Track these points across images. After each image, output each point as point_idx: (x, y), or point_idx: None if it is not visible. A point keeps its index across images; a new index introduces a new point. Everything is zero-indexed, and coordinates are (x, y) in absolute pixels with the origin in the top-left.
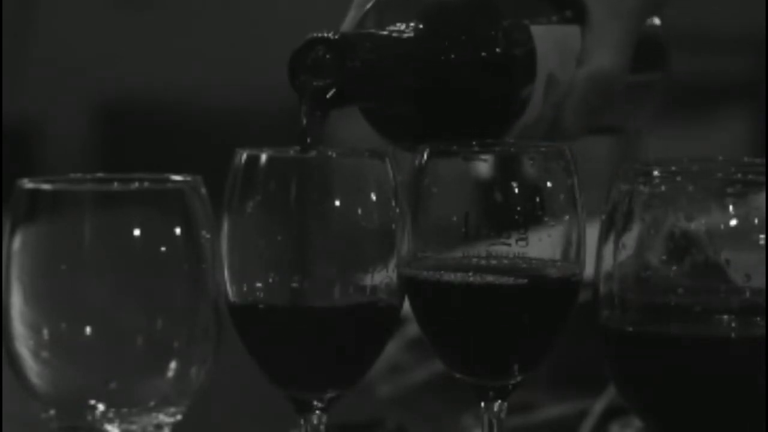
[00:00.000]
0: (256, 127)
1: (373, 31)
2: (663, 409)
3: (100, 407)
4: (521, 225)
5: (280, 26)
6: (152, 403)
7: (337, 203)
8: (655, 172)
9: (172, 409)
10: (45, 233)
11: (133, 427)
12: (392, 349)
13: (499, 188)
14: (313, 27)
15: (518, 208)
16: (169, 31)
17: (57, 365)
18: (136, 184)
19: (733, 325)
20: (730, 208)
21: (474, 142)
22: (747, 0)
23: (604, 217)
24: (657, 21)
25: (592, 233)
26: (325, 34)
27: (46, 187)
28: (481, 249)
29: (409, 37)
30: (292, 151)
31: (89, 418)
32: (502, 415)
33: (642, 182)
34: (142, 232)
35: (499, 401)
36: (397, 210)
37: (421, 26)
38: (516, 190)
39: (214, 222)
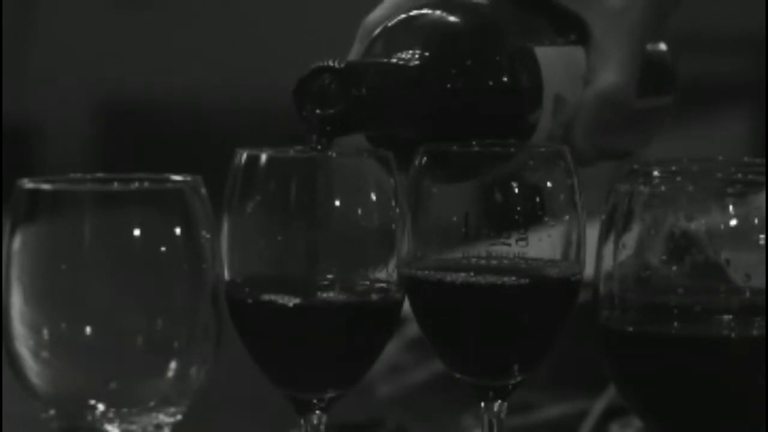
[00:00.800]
0: (256, 127)
1: (378, 59)
2: (663, 409)
3: (100, 407)
4: (521, 225)
5: (281, 26)
6: (152, 403)
7: (337, 203)
8: (655, 172)
9: (172, 409)
10: (45, 233)
11: (133, 427)
12: (392, 349)
13: (499, 188)
14: (313, 27)
15: (518, 208)
16: (169, 31)
17: (57, 365)
18: (136, 184)
19: (733, 325)
20: (730, 208)
21: (474, 142)
22: (747, 0)
23: (604, 217)
24: (664, 46)
25: (592, 233)
26: (331, 63)
27: (46, 187)
28: (481, 249)
29: (414, 65)
30: (292, 151)
31: (89, 418)
32: (502, 415)
33: (642, 182)
34: (142, 232)
35: (499, 401)
36: (397, 210)
37: (426, 54)
38: (516, 190)
39: (214, 222)
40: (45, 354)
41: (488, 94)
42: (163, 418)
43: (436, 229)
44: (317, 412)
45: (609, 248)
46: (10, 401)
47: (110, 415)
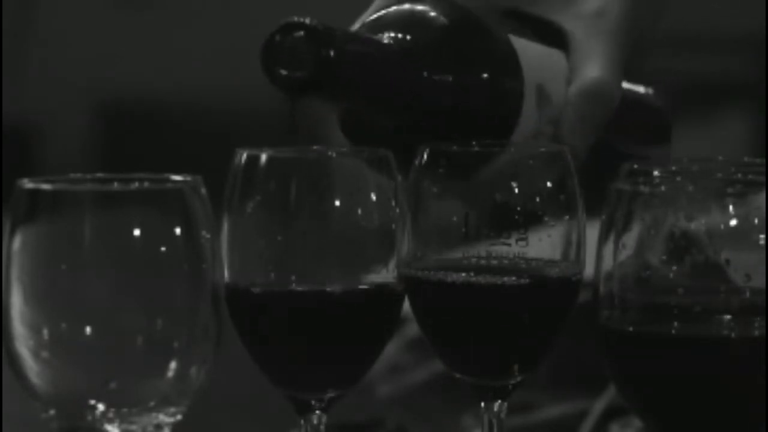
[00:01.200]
0: (256, 127)
1: (357, 31)
2: (663, 409)
3: (100, 407)
4: (521, 225)
5: None
6: (152, 403)
7: (337, 203)
8: (655, 172)
9: (172, 409)
10: (45, 233)
11: (133, 427)
12: (392, 349)
13: (499, 188)
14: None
15: (518, 208)
16: (169, 31)
17: (57, 365)
18: (136, 184)
19: (733, 325)
20: (730, 208)
21: (474, 142)
22: (747, 0)
23: (604, 217)
24: (650, 90)
25: (592, 233)
26: (304, 19)
27: (46, 187)
28: (481, 249)
29: (391, 43)
30: (292, 151)
31: (89, 418)
32: (502, 415)
33: (642, 182)
34: (142, 232)
35: (499, 401)
36: (397, 210)
37: (406, 36)
38: (516, 190)
39: (214, 222)
40: (45, 354)
41: (465, 79)
42: (163, 418)
43: (436, 229)
44: (317, 412)
45: (609, 248)
46: (10, 401)
47: (110, 415)
